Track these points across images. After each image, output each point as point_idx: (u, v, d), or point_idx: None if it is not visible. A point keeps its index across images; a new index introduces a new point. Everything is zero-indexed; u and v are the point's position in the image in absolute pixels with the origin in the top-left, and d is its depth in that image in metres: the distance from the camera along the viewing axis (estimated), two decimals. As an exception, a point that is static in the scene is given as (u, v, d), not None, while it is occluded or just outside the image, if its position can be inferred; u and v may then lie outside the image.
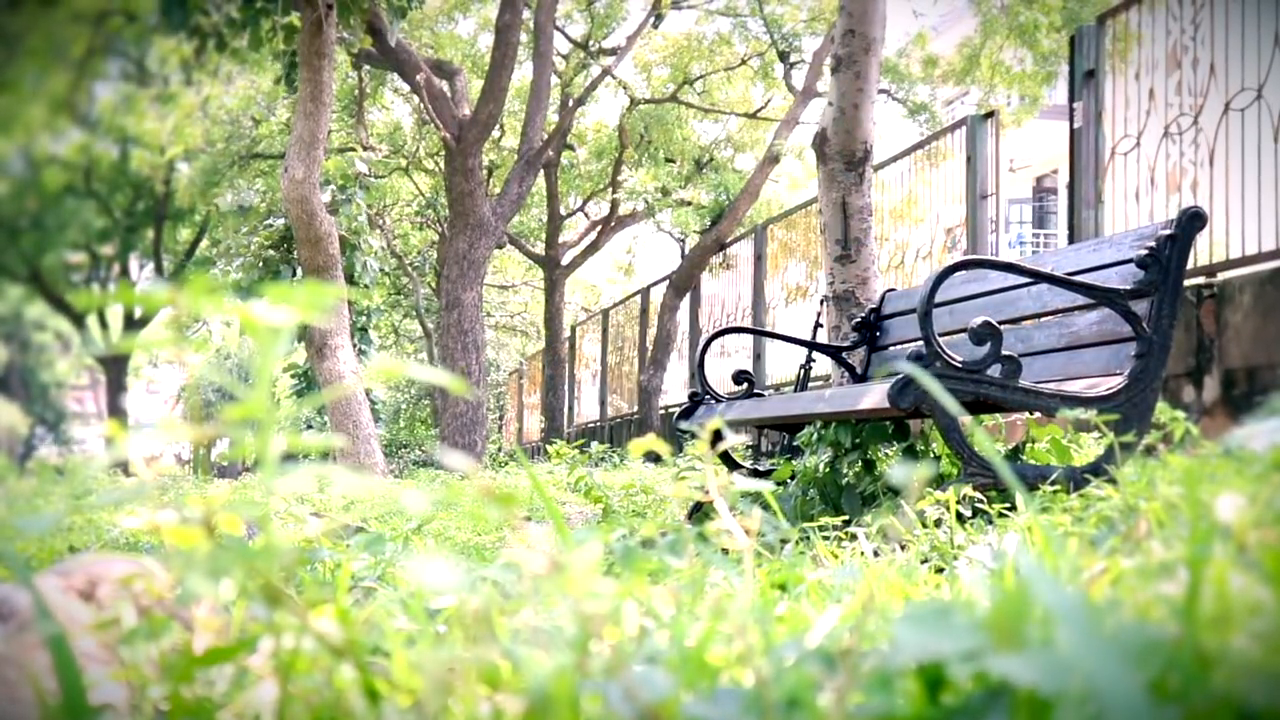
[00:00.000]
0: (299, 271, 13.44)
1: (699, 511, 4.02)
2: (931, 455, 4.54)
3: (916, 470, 1.11)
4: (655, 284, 18.12)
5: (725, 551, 1.60)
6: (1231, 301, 5.68)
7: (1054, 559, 1.45)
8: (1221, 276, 5.92)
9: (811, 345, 5.97)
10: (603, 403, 20.26)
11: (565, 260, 21.30)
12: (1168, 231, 3.71)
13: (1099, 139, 7.17)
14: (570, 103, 19.01)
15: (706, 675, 1.18)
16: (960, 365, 3.59)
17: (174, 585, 1.25)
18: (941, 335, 4.11)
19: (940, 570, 2.23)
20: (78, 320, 24.01)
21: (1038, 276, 3.96)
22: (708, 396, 5.54)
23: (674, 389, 16.73)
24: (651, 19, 18.94)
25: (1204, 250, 6.08)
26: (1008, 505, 2.94)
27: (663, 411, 16.50)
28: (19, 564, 1.14)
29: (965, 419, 3.41)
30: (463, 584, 0.86)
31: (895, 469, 1.11)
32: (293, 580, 1.16)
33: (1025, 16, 14.52)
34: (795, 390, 6.16)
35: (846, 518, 3.50)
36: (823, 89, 16.75)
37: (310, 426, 18.01)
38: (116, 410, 24.38)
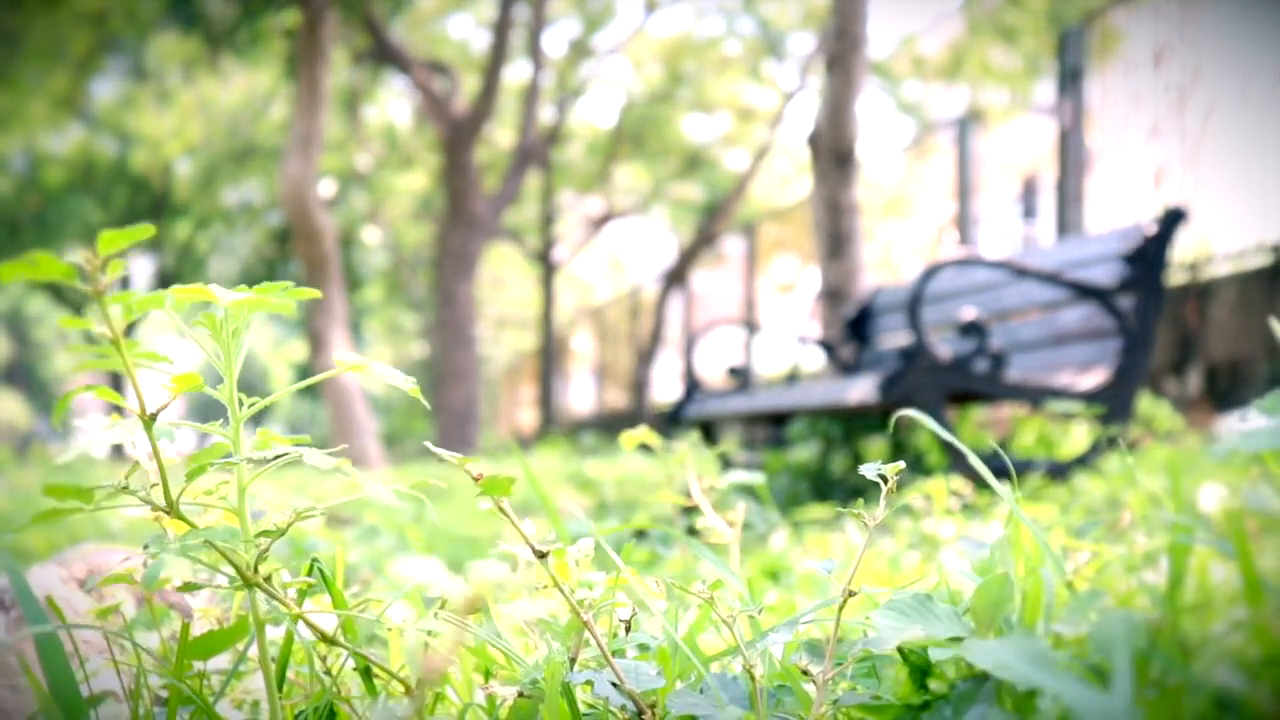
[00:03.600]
0: (296, 267, 13.45)
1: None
2: (919, 448, 4.57)
3: (898, 466, 1.14)
4: (648, 279, 18.17)
5: (713, 545, 1.63)
6: (1214, 297, 5.72)
7: (1038, 550, 1.48)
8: (1205, 272, 5.96)
9: (802, 340, 6.00)
10: (596, 396, 20.31)
11: (559, 256, 21.32)
12: (1152, 229, 3.75)
13: (1085, 137, 7.21)
14: (564, 100, 19.03)
15: (697, 663, 1.20)
16: (948, 360, 3.62)
17: (147, 567, 1.27)
18: (930, 329, 4.15)
19: (927, 560, 2.26)
20: (77, 313, 23.96)
21: (1025, 273, 3.99)
22: (699, 390, 5.57)
23: (666, 383, 16.78)
24: (646, 16, 18.97)
25: (1188, 247, 6.13)
26: (995, 496, 2.97)
27: (655, 404, 16.55)
28: (5, 557, 1.16)
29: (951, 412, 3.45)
30: (449, 582, 0.89)
31: (870, 465, 1.13)
32: (289, 570, 1.18)
33: (1012, 17, 14.55)
34: (785, 384, 6.19)
35: (836, 509, 3.53)
36: (814, 88, 16.79)
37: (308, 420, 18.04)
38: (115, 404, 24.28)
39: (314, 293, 1.08)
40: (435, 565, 0.91)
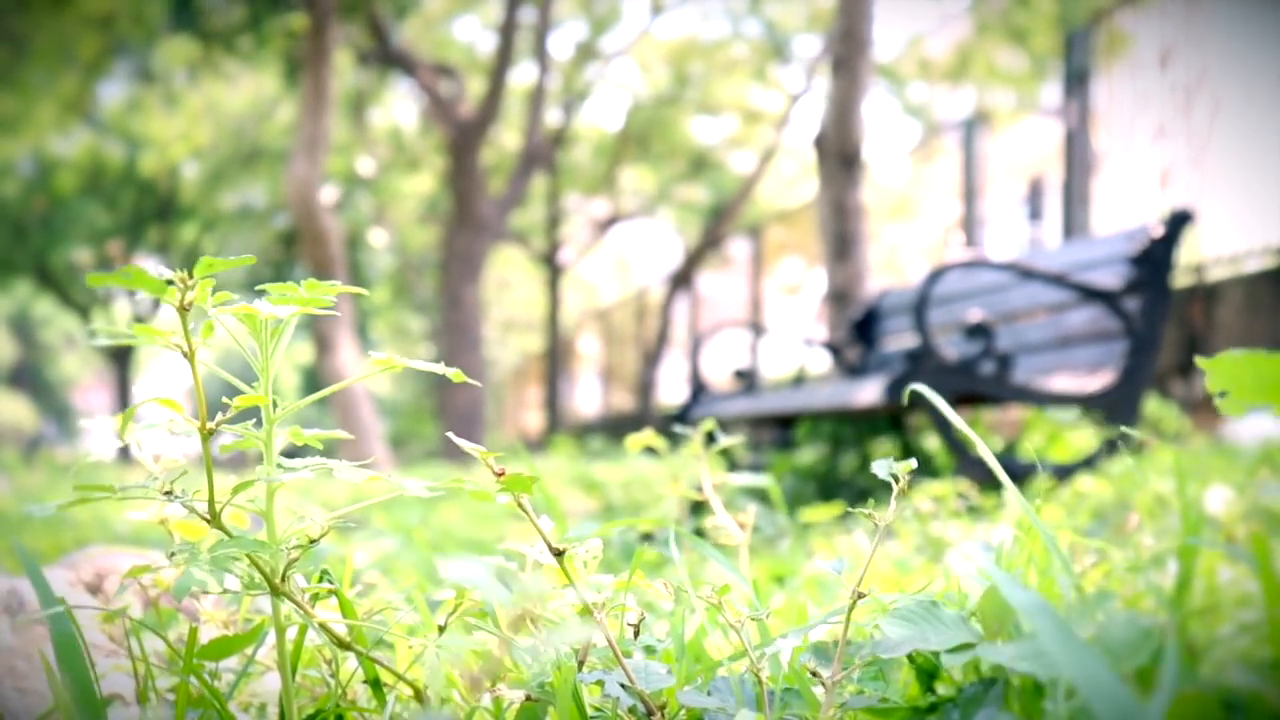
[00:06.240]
0: (303, 269, 13.47)
1: (699, 505, 4.04)
2: (927, 449, 4.57)
3: (910, 464, 1.13)
4: (654, 281, 18.18)
5: (722, 546, 1.62)
6: (1220, 298, 5.72)
7: (1045, 553, 1.48)
8: (1211, 274, 5.96)
9: (808, 342, 6.00)
10: (602, 398, 20.32)
11: (565, 258, 21.33)
12: (1158, 230, 3.74)
13: (1091, 138, 7.21)
14: (570, 102, 19.05)
15: (705, 666, 1.20)
16: (954, 361, 3.62)
17: (178, 578, 1.27)
18: (936, 331, 4.14)
19: (933, 562, 2.26)
20: (84, 315, 24.04)
21: (1032, 275, 3.99)
22: (705, 392, 5.57)
23: (672, 385, 16.79)
24: (652, 19, 18.99)
25: (1193, 248, 6.12)
26: (1001, 499, 2.97)
27: (661, 407, 16.55)
28: (26, 557, 1.16)
29: (953, 414, 3.45)
30: (497, 589, 0.88)
31: (881, 463, 1.13)
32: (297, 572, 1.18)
33: (1018, 18, 14.55)
34: (792, 387, 6.19)
35: (842, 511, 3.53)
36: (819, 90, 16.78)
37: (315, 422, 18.06)
38: (123, 405, 24.36)
39: (359, 290, 1.09)
40: (483, 570, 0.90)
